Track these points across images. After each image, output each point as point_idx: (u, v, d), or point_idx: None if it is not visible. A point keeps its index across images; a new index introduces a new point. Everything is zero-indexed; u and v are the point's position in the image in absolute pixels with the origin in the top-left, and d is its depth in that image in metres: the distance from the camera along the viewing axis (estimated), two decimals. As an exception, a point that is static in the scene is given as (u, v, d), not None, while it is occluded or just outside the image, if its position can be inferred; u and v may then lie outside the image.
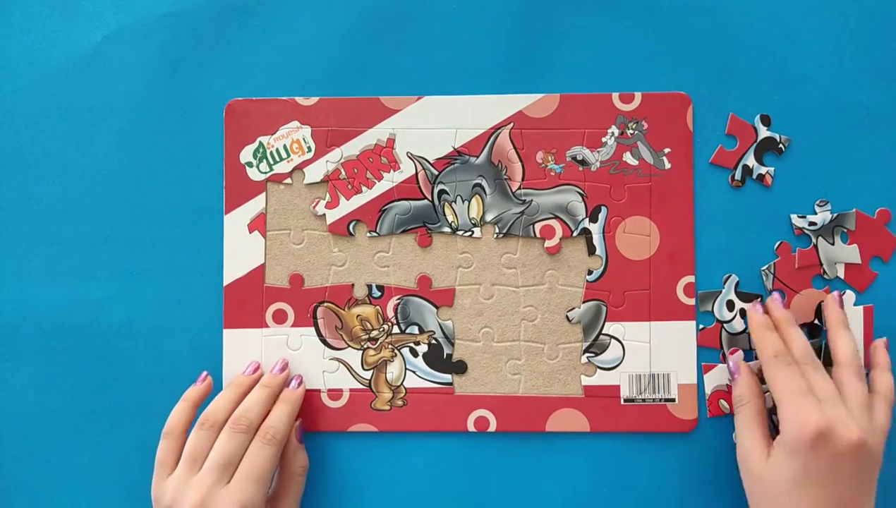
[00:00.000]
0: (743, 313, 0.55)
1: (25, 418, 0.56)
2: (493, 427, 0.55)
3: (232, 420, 0.50)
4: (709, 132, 0.55)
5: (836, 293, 0.53)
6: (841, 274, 0.55)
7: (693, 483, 0.54)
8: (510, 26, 0.56)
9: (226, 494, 0.48)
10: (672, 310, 0.55)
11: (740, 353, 0.53)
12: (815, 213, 0.55)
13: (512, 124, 0.55)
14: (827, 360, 0.54)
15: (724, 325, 0.55)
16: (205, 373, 0.54)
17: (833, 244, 0.55)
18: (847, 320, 0.52)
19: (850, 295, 0.54)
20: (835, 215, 0.54)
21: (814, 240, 0.55)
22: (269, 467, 0.50)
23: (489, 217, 0.55)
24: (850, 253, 0.54)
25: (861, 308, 0.54)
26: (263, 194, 0.56)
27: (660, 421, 0.54)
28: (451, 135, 0.56)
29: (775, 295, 0.53)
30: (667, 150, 0.55)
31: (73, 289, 0.56)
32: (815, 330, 0.55)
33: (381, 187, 0.56)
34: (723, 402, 0.55)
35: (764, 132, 0.55)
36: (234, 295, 0.55)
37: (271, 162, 0.56)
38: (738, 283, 0.55)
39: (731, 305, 0.55)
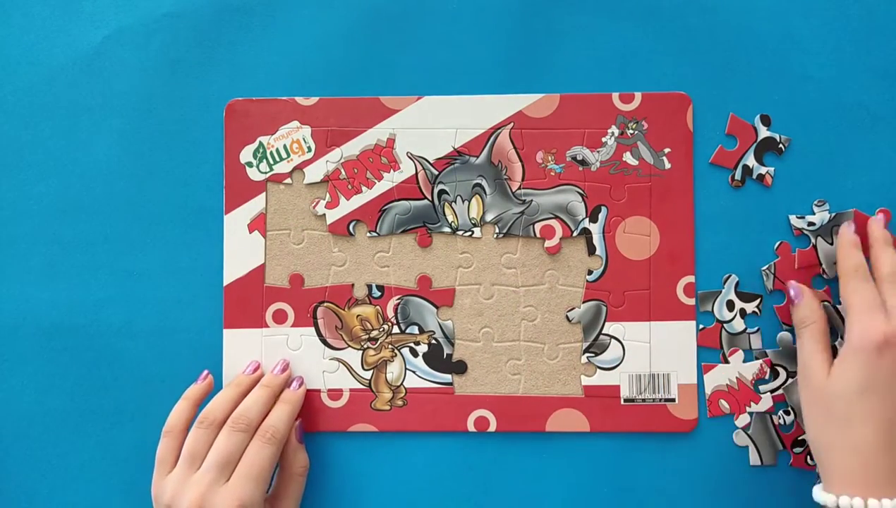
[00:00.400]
0: (743, 313, 0.55)
1: (25, 418, 0.56)
2: (493, 428, 0.55)
3: (231, 419, 0.50)
4: (709, 132, 0.55)
5: (880, 215, 0.53)
6: None
7: (693, 483, 0.54)
8: (510, 26, 0.56)
9: (224, 492, 0.48)
10: (672, 310, 0.55)
11: (797, 284, 0.54)
12: (814, 213, 0.55)
13: (512, 124, 0.55)
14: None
15: (724, 325, 0.55)
16: (206, 372, 0.54)
17: (832, 244, 0.55)
18: (892, 240, 0.52)
19: None
20: (833, 215, 0.54)
21: (813, 240, 0.55)
22: (269, 466, 0.50)
23: (489, 217, 0.55)
24: None
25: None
26: (263, 194, 0.56)
27: (660, 421, 0.54)
28: (451, 135, 0.56)
29: (880, 215, 0.53)
30: (667, 150, 0.55)
31: (73, 289, 0.56)
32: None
33: (381, 187, 0.56)
34: (723, 402, 0.55)
35: (764, 132, 0.55)
36: (234, 295, 0.55)
37: (271, 162, 0.56)
38: (737, 283, 0.55)
39: (731, 305, 0.55)
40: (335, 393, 0.55)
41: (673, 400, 0.55)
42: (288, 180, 0.56)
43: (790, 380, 0.55)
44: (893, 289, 0.49)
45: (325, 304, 0.56)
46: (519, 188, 0.55)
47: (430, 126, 0.56)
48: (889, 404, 0.47)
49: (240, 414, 0.51)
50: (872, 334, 0.47)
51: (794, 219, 0.55)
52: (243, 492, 0.48)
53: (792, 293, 0.53)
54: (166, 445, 0.51)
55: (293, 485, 0.52)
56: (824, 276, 0.55)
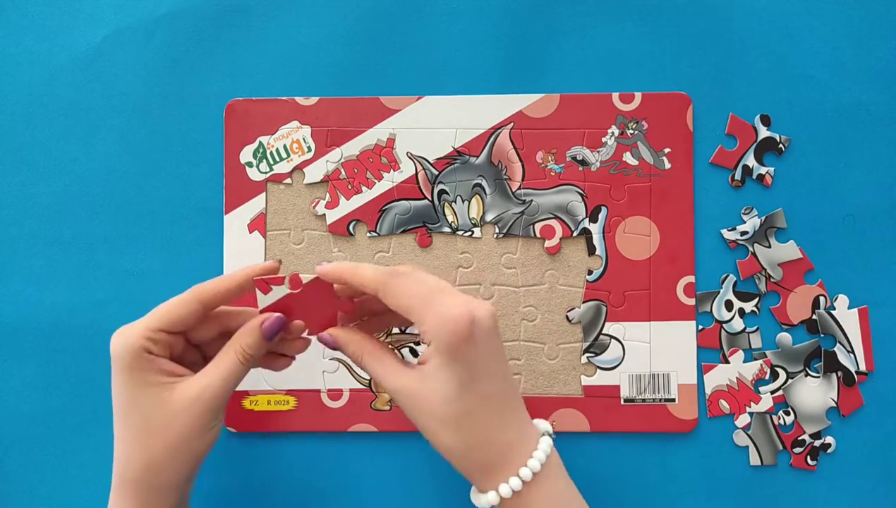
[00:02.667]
0: (742, 312, 0.55)
1: (25, 418, 0.56)
2: (493, 427, 0.55)
3: None
4: (709, 132, 0.55)
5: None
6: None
7: (693, 483, 0.54)
8: (510, 26, 0.56)
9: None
10: (672, 310, 0.55)
11: (329, 332, 0.48)
12: (744, 222, 0.55)
13: (512, 124, 0.55)
14: (829, 367, 0.54)
15: (724, 325, 0.55)
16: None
17: (770, 247, 0.55)
18: None
19: (843, 299, 0.54)
20: (763, 218, 0.54)
21: (750, 248, 0.55)
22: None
23: (489, 217, 0.55)
24: (789, 251, 0.54)
25: (856, 310, 0.54)
26: (263, 194, 0.56)
27: (660, 421, 0.54)
28: (451, 135, 0.56)
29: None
30: (667, 150, 0.55)
31: (73, 289, 0.56)
32: (812, 327, 0.55)
33: (381, 187, 0.56)
34: (723, 402, 0.55)
35: (764, 132, 0.55)
36: (234, 295, 0.55)
37: (271, 162, 0.56)
38: (735, 283, 0.55)
39: (729, 305, 0.55)
40: (335, 393, 0.55)
41: (673, 400, 0.55)
42: (288, 180, 0.56)
43: (790, 381, 0.55)
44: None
45: (325, 304, 0.56)
46: (519, 188, 0.55)
47: (430, 126, 0.56)
48: None
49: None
50: (458, 319, 0.42)
51: (726, 233, 0.55)
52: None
53: (329, 343, 0.47)
54: None
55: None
56: (771, 279, 0.55)
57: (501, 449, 0.44)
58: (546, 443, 0.45)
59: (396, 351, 0.55)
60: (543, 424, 0.46)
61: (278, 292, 0.47)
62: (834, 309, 0.54)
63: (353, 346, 0.47)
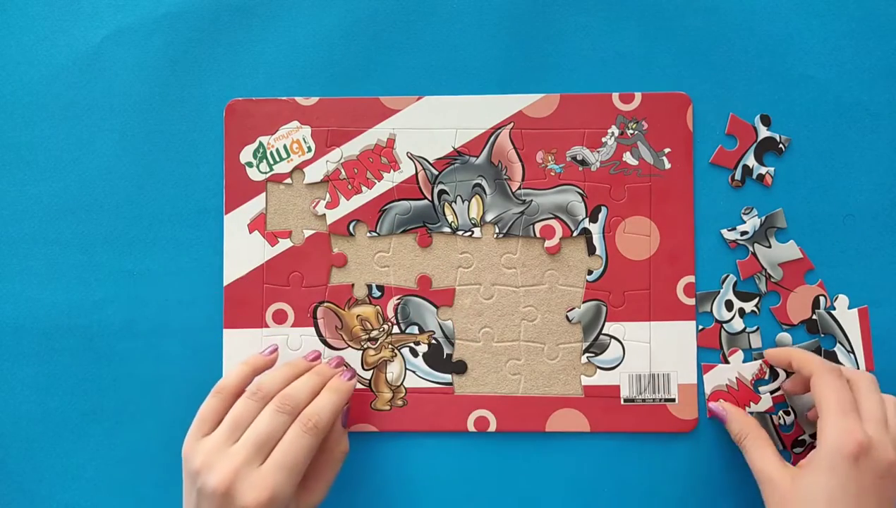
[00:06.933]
0: (742, 312, 0.55)
1: (25, 418, 0.56)
2: (493, 428, 0.55)
3: (279, 397, 0.49)
4: (709, 132, 0.55)
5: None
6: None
7: (693, 483, 0.54)
8: (510, 26, 0.56)
9: (256, 478, 0.46)
10: (672, 310, 0.55)
11: (720, 402, 0.54)
12: (744, 222, 0.55)
13: (512, 124, 0.55)
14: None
15: (724, 325, 0.55)
16: (274, 346, 0.54)
17: (770, 247, 0.55)
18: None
19: (843, 299, 0.54)
20: (763, 218, 0.54)
21: (750, 248, 0.55)
22: (305, 457, 0.48)
23: (489, 217, 0.55)
24: (789, 251, 0.54)
25: (856, 310, 0.54)
26: (263, 194, 0.56)
27: (660, 421, 0.54)
28: (451, 135, 0.56)
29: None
30: (667, 150, 0.55)
31: (73, 289, 0.56)
32: (812, 327, 0.55)
33: (381, 187, 0.56)
34: (723, 402, 0.55)
35: (764, 132, 0.55)
36: (234, 295, 0.55)
37: (271, 162, 0.56)
38: (735, 283, 0.55)
39: (729, 305, 0.55)
40: (335, 393, 0.55)
41: (673, 400, 0.55)
42: (288, 180, 0.56)
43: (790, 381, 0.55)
44: (868, 392, 0.48)
45: (325, 304, 0.56)
46: (519, 188, 0.55)
47: (430, 126, 0.56)
48: None
49: (288, 395, 0.49)
50: (847, 441, 0.45)
51: (726, 233, 0.55)
52: (275, 482, 0.46)
53: (719, 415, 0.53)
54: (212, 405, 0.49)
55: (328, 470, 0.51)
56: (772, 280, 0.55)
57: None
58: None
59: (397, 350, 0.55)
60: None
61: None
62: (834, 309, 0.54)
63: (738, 425, 0.52)
